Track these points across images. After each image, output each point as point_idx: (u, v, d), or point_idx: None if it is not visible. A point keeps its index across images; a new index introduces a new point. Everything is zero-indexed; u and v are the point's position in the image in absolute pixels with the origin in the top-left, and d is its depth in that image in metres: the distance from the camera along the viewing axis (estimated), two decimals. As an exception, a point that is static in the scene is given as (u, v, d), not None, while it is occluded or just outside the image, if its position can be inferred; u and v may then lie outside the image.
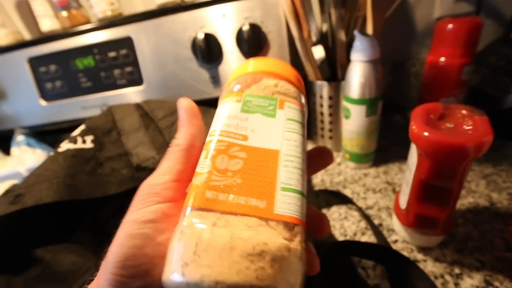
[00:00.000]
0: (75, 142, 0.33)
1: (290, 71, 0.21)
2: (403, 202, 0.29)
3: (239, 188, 0.15)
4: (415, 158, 0.26)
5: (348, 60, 0.42)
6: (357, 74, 0.37)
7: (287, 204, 0.15)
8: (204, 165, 0.16)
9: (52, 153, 0.32)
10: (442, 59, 0.38)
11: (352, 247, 0.26)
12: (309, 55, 0.42)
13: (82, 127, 0.36)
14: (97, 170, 0.32)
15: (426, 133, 0.24)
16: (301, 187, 0.16)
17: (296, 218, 0.14)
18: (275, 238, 0.13)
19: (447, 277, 0.28)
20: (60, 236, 0.30)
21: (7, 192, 0.31)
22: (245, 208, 0.14)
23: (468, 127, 0.24)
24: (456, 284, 0.27)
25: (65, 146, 0.32)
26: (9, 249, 0.27)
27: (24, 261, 0.27)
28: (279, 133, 0.17)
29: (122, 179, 0.33)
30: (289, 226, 0.14)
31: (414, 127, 0.25)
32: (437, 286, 0.24)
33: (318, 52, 0.40)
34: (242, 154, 0.16)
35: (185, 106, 0.20)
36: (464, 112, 0.25)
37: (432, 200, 0.26)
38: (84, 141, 0.33)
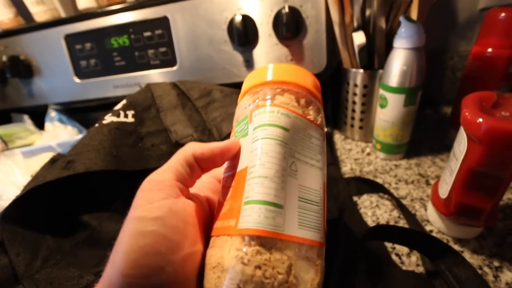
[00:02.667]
0: (118, 115, 0.34)
1: (264, 72, 0.21)
2: (444, 192, 0.29)
3: (226, 213, 0.17)
4: (464, 146, 0.26)
5: (386, 48, 0.42)
6: (399, 62, 0.36)
7: (244, 217, 0.15)
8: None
9: (97, 125, 0.33)
10: (489, 50, 0.37)
11: (391, 231, 0.26)
12: (348, 41, 0.42)
13: (123, 101, 0.36)
14: (138, 144, 0.33)
15: (480, 119, 0.23)
16: (262, 196, 0.15)
17: (253, 229, 0.15)
18: (229, 251, 0.15)
19: (486, 269, 0.27)
20: (101, 205, 0.31)
21: (53, 160, 0.33)
22: (224, 229, 0.16)
23: (526, 116, 0.23)
24: (496, 277, 0.27)
25: (109, 118, 0.33)
26: (59, 212, 0.28)
27: (72, 225, 0.28)
28: (248, 148, 0.18)
29: (162, 154, 0.33)
30: (246, 238, 0.15)
31: (467, 113, 0.24)
32: (480, 275, 0.24)
33: (359, 38, 0.39)
34: (232, 182, 0.18)
35: (230, 147, 0.19)
36: (521, 101, 0.25)
37: (480, 189, 0.26)
38: (126, 115, 0.34)
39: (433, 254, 0.26)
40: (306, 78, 0.21)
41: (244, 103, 0.21)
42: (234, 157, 0.19)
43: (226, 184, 0.18)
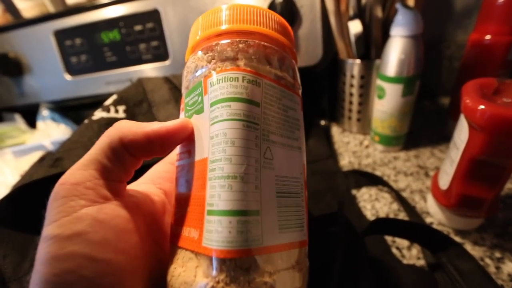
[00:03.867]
0: (108, 111, 0.33)
1: (218, 15, 0.15)
2: (445, 183, 0.28)
3: (187, 217, 0.13)
4: (465, 135, 0.25)
5: (383, 37, 0.41)
6: (396, 50, 0.35)
7: (210, 232, 0.12)
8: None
9: (86, 121, 0.31)
10: (488, 37, 0.36)
11: (392, 225, 0.26)
12: (344, 30, 0.41)
13: (114, 96, 0.35)
14: (130, 140, 0.32)
15: (482, 106, 0.22)
16: (232, 204, 0.12)
17: (223, 251, 0.11)
18: (195, 277, 0.12)
19: (488, 261, 0.27)
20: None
21: (42, 158, 0.31)
22: (187, 241, 0.13)
23: (529, 102, 0.22)
24: (498, 268, 0.26)
25: (98, 114, 0.32)
26: (48, 211, 0.27)
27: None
28: (206, 131, 0.13)
29: (154, 150, 0.33)
30: (215, 261, 0.12)
31: (468, 101, 0.24)
32: (483, 267, 0.23)
33: (355, 27, 0.38)
34: (188, 175, 0.14)
35: (175, 131, 0.14)
36: (523, 87, 0.24)
37: (481, 179, 0.25)
38: (116, 111, 0.33)
39: (434, 247, 0.26)
40: (276, 24, 0.16)
41: (193, 63, 0.15)
42: (187, 140, 0.15)
43: (181, 174, 0.15)
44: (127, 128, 0.14)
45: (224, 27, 0.15)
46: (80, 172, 0.13)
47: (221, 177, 0.12)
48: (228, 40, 0.15)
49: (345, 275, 0.18)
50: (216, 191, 0.12)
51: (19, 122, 0.62)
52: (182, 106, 0.16)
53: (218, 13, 0.15)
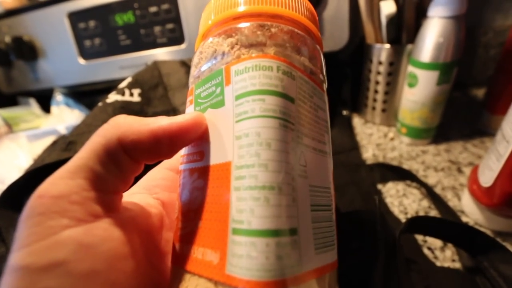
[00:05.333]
0: (123, 94, 0.31)
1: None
2: (487, 180, 0.26)
3: (198, 235, 0.11)
4: (518, 126, 0.22)
5: (416, 20, 0.37)
6: (434, 33, 0.32)
7: (239, 257, 0.10)
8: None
9: (100, 104, 0.30)
10: (539, 19, 0.32)
11: (431, 224, 0.23)
12: (374, 11, 0.37)
13: (129, 79, 0.34)
14: (144, 125, 0.31)
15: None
16: (270, 222, 0.10)
17: (260, 283, 0.09)
18: None
19: (534, 266, 0.24)
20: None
21: (55, 142, 0.30)
22: (200, 265, 0.11)
23: None
24: (545, 275, 0.24)
25: (113, 97, 0.31)
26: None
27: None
28: (229, 130, 0.11)
29: (170, 136, 0.31)
30: None
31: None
32: (533, 275, 0.20)
33: (387, 7, 0.35)
34: (200, 182, 0.12)
35: (187, 128, 0.12)
36: None
37: (535, 177, 0.22)
38: (131, 94, 0.32)
39: (474, 249, 0.23)
40: (304, 9, 0.14)
41: (210, 48, 0.13)
42: (199, 139, 0.12)
43: (190, 180, 0.12)
44: (128, 125, 0.11)
45: (246, 7, 0.13)
46: (64, 181, 0.10)
47: (255, 187, 0.10)
48: (254, 23, 0.12)
49: (386, 277, 0.16)
50: (248, 205, 0.10)
51: (34, 106, 0.62)
52: (190, 98, 0.14)
53: None
